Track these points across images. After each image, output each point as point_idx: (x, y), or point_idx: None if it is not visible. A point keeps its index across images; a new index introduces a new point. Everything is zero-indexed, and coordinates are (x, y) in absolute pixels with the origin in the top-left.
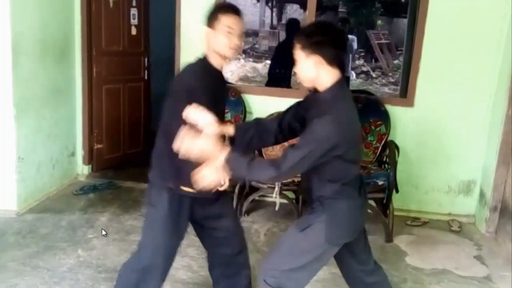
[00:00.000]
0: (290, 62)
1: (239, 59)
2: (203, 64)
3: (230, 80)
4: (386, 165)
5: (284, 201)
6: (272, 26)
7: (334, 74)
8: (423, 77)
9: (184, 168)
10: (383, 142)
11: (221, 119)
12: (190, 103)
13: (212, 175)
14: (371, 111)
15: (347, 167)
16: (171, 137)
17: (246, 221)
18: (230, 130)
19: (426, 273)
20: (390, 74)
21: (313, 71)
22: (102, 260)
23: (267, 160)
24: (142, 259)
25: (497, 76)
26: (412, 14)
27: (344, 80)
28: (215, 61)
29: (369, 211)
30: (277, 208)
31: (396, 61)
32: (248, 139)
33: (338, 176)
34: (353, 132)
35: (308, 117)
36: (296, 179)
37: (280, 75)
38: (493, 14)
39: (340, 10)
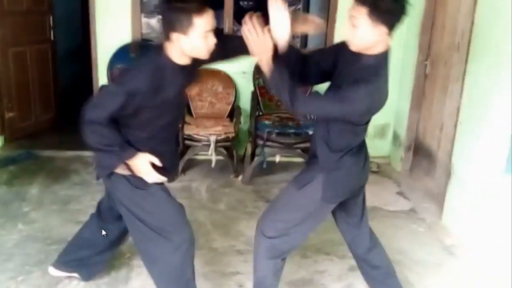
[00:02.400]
0: None
1: None
2: (157, 62)
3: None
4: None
5: (220, 157)
6: None
7: (387, 43)
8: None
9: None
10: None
11: (179, 110)
12: (126, 101)
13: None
14: None
15: (355, 137)
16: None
17: (184, 180)
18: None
19: None
20: None
21: (374, 40)
22: (47, 232)
23: (299, 91)
24: None
25: (405, 25)
26: None
27: (389, 50)
28: (180, 59)
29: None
30: (213, 165)
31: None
32: (290, 64)
33: (344, 145)
34: (382, 103)
35: (337, 73)
36: (230, 135)
37: None
38: None
39: None
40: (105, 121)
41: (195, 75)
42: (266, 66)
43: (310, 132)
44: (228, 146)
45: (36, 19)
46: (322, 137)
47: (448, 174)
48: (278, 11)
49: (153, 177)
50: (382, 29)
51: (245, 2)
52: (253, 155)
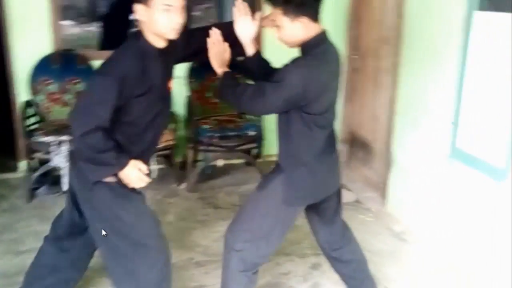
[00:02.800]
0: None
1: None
2: (135, 46)
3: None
4: (249, 116)
5: (160, 166)
6: None
7: (317, 28)
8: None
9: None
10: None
11: (166, 99)
12: (128, 90)
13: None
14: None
15: (315, 139)
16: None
17: None
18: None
19: None
20: None
21: (300, 32)
22: None
23: (245, 87)
24: None
25: (331, 21)
26: None
27: (325, 33)
28: (155, 41)
29: (243, 161)
30: (155, 175)
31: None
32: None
33: (304, 147)
34: (320, 84)
35: None
36: (169, 143)
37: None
38: None
39: None
40: (105, 124)
41: (172, 66)
42: (220, 73)
43: (251, 133)
44: (167, 154)
45: None
46: (282, 138)
47: (387, 164)
48: (242, 18)
49: (141, 183)
50: (303, 20)
51: None
52: (194, 161)
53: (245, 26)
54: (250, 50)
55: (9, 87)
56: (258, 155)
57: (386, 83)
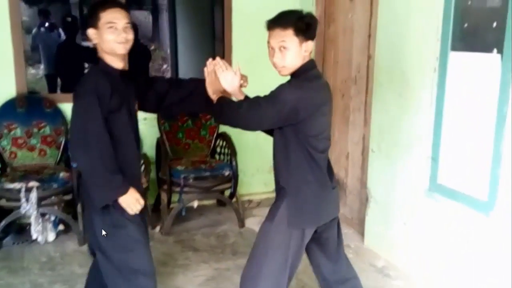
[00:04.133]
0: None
1: None
2: (98, 68)
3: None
4: (221, 156)
5: None
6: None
7: (311, 53)
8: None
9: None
10: (215, 134)
11: (135, 119)
12: (105, 104)
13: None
14: None
15: (315, 166)
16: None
17: None
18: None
19: None
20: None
21: (301, 57)
22: None
23: (241, 102)
24: None
25: None
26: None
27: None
28: (112, 62)
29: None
30: None
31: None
32: None
33: (305, 173)
34: (314, 104)
35: None
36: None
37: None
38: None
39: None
40: (104, 139)
41: (134, 90)
42: (215, 99)
43: (226, 173)
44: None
45: None
46: (283, 162)
47: (361, 200)
48: (224, 73)
49: (136, 210)
50: (309, 43)
51: None
52: (168, 204)
53: (229, 79)
54: (240, 97)
55: None
56: (232, 195)
57: (357, 120)
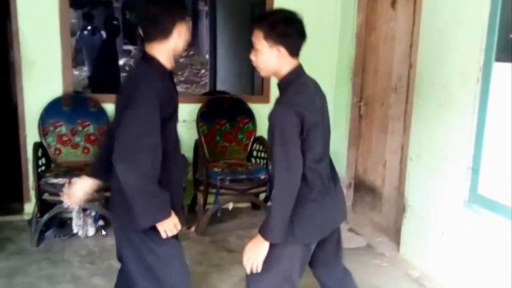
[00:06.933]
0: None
1: None
2: (151, 68)
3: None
4: (257, 160)
5: None
6: None
7: (293, 63)
8: None
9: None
10: (252, 138)
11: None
12: (163, 111)
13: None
14: (237, 110)
15: (316, 176)
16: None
17: None
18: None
19: None
20: (180, 72)
21: (275, 61)
22: None
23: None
24: None
25: (335, 70)
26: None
27: (301, 67)
28: (168, 63)
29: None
30: None
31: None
32: None
33: (306, 184)
34: (308, 113)
35: None
36: None
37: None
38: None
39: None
40: (158, 157)
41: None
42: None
43: (262, 177)
44: None
45: None
46: None
47: (398, 209)
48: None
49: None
50: (282, 50)
51: None
52: (204, 204)
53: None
54: None
55: (19, 129)
56: (267, 198)
57: (396, 129)
